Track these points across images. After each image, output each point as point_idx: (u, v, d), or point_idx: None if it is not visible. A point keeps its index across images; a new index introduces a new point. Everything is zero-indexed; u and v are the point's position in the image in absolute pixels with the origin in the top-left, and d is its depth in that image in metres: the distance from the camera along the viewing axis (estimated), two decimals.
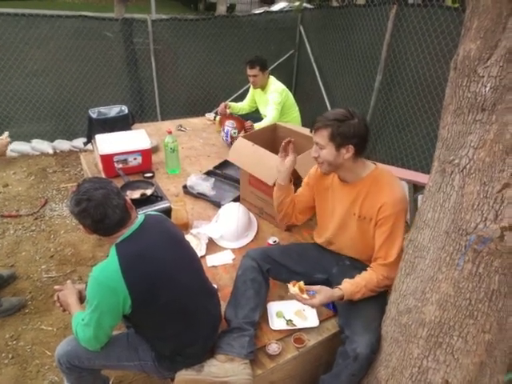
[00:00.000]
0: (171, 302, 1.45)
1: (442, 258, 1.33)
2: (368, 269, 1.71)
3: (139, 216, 1.52)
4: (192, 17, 5.14)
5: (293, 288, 1.61)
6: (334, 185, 1.80)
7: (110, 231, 1.42)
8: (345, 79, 4.61)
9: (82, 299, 1.64)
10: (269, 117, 3.44)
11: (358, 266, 1.81)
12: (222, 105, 3.78)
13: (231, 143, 3.27)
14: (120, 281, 1.33)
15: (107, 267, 1.37)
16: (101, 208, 1.35)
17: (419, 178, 2.84)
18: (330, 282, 1.87)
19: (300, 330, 1.76)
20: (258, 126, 3.50)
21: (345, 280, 1.68)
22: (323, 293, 1.60)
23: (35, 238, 3.13)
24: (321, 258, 1.89)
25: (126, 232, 1.42)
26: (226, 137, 3.38)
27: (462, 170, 1.22)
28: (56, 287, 1.69)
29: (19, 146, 4.59)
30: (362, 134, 1.61)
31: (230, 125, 3.35)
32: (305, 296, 1.59)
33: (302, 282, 1.63)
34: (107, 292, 1.34)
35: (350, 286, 1.63)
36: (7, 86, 4.41)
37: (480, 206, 1.19)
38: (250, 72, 3.47)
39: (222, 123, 3.52)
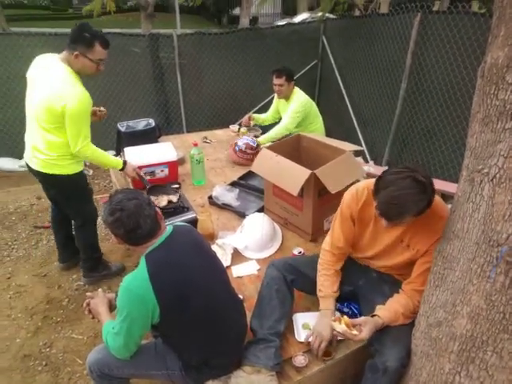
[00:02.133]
0: (198, 312, 1.47)
1: (472, 270, 1.29)
2: (401, 292, 1.66)
3: (168, 227, 1.55)
4: (216, 30, 5.26)
5: (339, 326, 1.53)
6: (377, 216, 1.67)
7: (141, 241, 1.45)
8: (369, 88, 4.58)
9: (111, 308, 1.69)
10: (281, 124, 3.48)
11: (385, 278, 1.78)
12: (246, 117, 3.84)
13: (241, 155, 3.33)
14: (149, 289, 1.36)
15: (137, 276, 1.40)
16: (133, 218, 1.39)
17: (448, 187, 2.78)
18: (356, 294, 1.85)
19: None
20: (270, 136, 3.52)
21: (380, 307, 1.63)
22: (368, 325, 1.54)
23: None
24: (347, 269, 1.86)
25: (156, 242, 1.46)
26: (236, 147, 3.39)
27: (492, 180, 1.20)
28: (88, 294, 1.74)
29: None
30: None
31: (245, 139, 3.39)
32: (355, 332, 1.52)
33: (346, 317, 1.57)
34: (137, 301, 1.38)
35: (389, 314, 1.58)
36: None
37: (511, 216, 1.16)
38: (275, 81, 3.50)
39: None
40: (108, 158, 2.53)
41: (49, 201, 2.83)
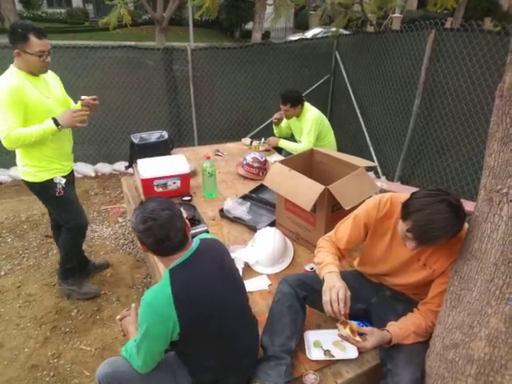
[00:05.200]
0: (216, 333, 1.45)
1: (490, 292, 1.27)
2: (416, 311, 1.63)
3: (195, 239, 1.54)
4: (229, 45, 5.33)
5: (344, 330, 1.53)
6: (396, 229, 1.61)
7: (169, 253, 1.44)
8: (381, 103, 4.58)
9: None
10: (301, 146, 3.52)
11: (399, 297, 1.75)
12: (278, 114, 3.82)
13: (247, 169, 3.35)
14: (171, 308, 1.34)
15: (159, 293, 1.38)
16: (164, 229, 1.38)
17: (464, 205, 2.74)
18: (369, 312, 1.81)
19: (338, 361, 1.71)
20: (290, 146, 3.55)
21: (391, 323, 1.60)
22: (375, 335, 1.53)
23: None
24: (360, 287, 1.83)
25: (182, 256, 1.44)
26: (244, 161, 3.40)
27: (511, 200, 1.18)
28: (122, 314, 1.75)
29: None
30: None
31: (253, 154, 3.40)
32: (358, 339, 1.51)
33: (353, 323, 1.56)
34: (157, 317, 1.36)
35: (399, 331, 1.56)
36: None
37: None
38: (281, 106, 3.57)
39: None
40: (35, 131, 2.18)
41: (42, 211, 2.85)
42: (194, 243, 1.52)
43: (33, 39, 2.13)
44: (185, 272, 1.43)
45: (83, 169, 4.91)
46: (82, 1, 23.20)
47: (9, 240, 3.46)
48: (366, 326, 1.82)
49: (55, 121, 2.23)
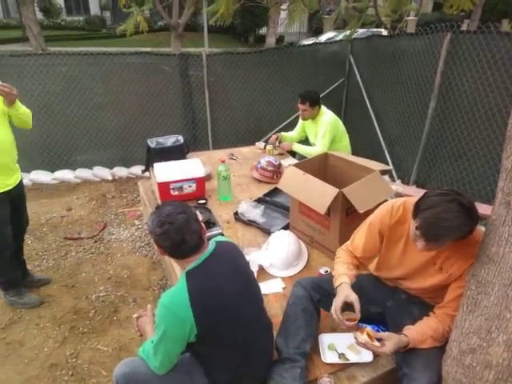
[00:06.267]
0: (232, 335, 1.47)
1: (509, 296, 1.25)
2: (432, 315, 1.61)
3: (210, 242, 1.57)
4: (244, 50, 5.37)
5: (361, 336, 1.52)
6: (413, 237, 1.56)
7: (185, 255, 1.47)
8: (396, 106, 4.56)
9: None
10: (315, 149, 3.52)
11: (414, 300, 1.74)
12: (274, 136, 3.90)
13: (262, 172, 3.37)
14: (188, 311, 1.36)
15: (177, 296, 1.41)
16: (180, 233, 1.41)
17: (480, 209, 2.70)
18: (384, 316, 1.81)
19: (353, 364, 1.71)
20: (304, 150, 3.57)
21: (408, 327, 1.58)
22: (392, 340, 1.51)
23: (94, 260, 3.31)
24: (375, 290, 1.83)
25: (198, 258, 1.47)
26: (258, 164, 3.42)
27: None
28: (139, 313, 1.78)
29: (82, 173, 4.95)
30: None
31: (267, 158, 3.42)
32: (376, 344, 1.50)
33: (369, 328, 1.56)
34: (175, 320, 1.38)
35: (416, 335, 1.54)
36: (74, 117, 4.80)
37: None
38: (300, 106, 3.57)
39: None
40: None
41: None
42: (210, 246, 1.54)
43: None
44: (201, 274, 1.45)
45: (101, 172, 5.00)
46: (100, 8, 23.67)
47: (29, 242, 3.54)
48: (382, 330, 1.82)
49: None
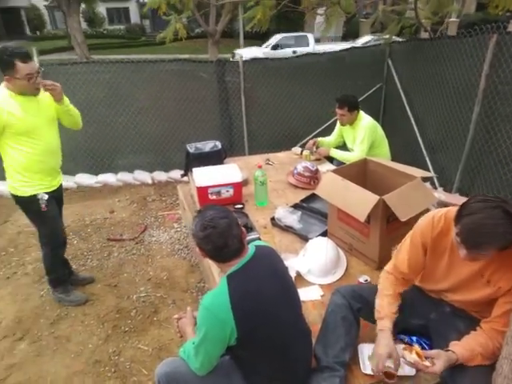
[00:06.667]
0: (271, 339, 1.49)
1: None
2: (480, 331, 1.53)
3: (250, 246, 1.60)
4: (279, 56, 5.39)
5: (410, 355, 1.46)
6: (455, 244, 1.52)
7: (226, 259, 1.51)
8: (437, 111, 4.43)
9: None
10: (354, 154, 3.48)
11: (459, 314, 1.68)
12: (311, 141, 3.89)
13: (298, 178, 3.36)
14: (229, 314, 1.39)
15: (218, 298, 1.44)
16: (223, 237, 1.45)
17: None
18: (427, 328, 1.76)
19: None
20: (342, 155, 3.55)
21: (454, 343, 1.51)
22: (442, 358, 1.45)
23: (135, 261, 3.42)
24: (417, 302, 1.78)
25: (239, 262, 1.50)
26: (294, 170, 3.41)
27: None
28: (179, 314, 1.83)
29: (124, 177, 5.14)
30: None
31: (304, 163, 3.42)
32: (427, 363, 1.44)
33: (417, 346, 1.51)
34: (216, 322, 1.42)
35: (465, 352, 1.47)
36: (116, 123, 5.01)
37: None
38: (338, 111, 3.54)
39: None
40: None
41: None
42: (250, 250, 1.57)
43: (19, 65, 2.21)
44: (242, 278, 1.48)
45: (141, 176, 5.17)
46: (140, 17, 24.53)
47: (75, 242, 3.72)
48: (425, 343, 1.77)
49: None
